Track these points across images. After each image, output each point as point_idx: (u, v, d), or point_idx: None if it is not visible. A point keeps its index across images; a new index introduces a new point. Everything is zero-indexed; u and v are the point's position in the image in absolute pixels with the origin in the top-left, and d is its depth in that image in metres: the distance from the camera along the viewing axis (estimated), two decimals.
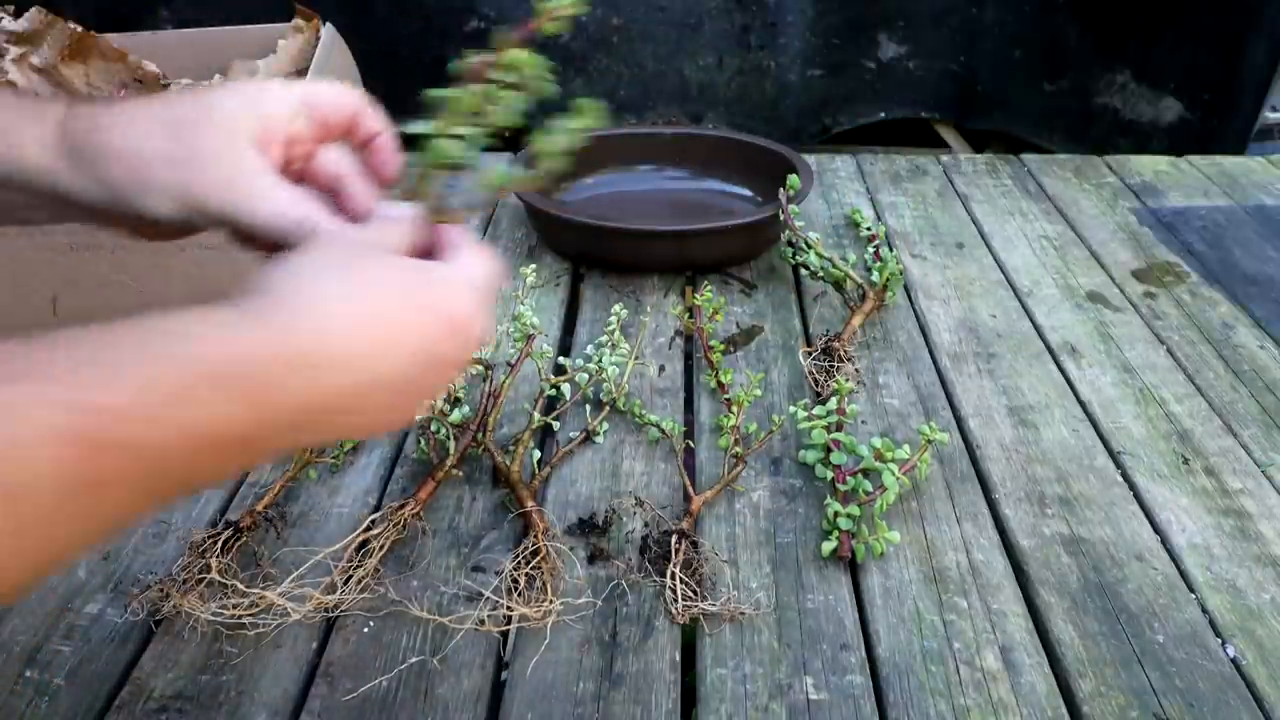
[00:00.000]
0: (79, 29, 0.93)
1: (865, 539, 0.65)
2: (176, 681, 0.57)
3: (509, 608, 0.60)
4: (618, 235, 1.00)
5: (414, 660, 0.58)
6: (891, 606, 0.62)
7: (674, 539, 0.64)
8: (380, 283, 0.40)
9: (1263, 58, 1.58)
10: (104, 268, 0.83)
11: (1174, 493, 0.72)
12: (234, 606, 0.60)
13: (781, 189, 0.97)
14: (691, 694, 0.57)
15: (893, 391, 0.84)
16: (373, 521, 0.65)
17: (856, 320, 0.90)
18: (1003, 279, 1.03)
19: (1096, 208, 1.20)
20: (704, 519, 0.69)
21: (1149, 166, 1.32)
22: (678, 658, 0.59)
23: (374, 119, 0.49)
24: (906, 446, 0.69)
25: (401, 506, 0.66)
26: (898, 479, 0.66)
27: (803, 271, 0.98)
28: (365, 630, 0.60)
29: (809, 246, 0.95)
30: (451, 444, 0.72)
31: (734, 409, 0.75)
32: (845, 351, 0.85)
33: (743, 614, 0.61)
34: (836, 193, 1.23)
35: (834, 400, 0.75)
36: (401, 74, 1.83)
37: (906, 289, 1.01)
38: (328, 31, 1.07)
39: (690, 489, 0.70)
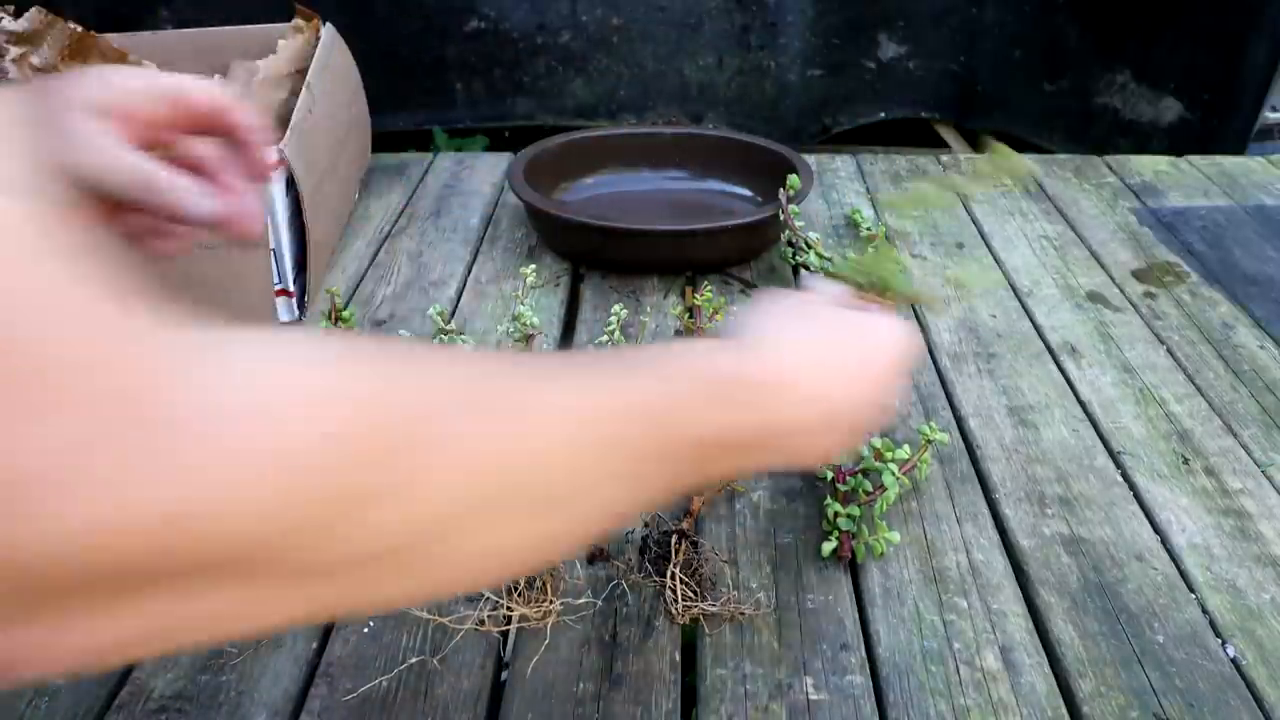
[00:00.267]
0: (79, 29, 0.93)
1: (865, 539, 0.65)
2: (176, 681, 0.57)
3: (509, 608, 0.60)
4: (618, 235, 1.00)
5: (414, 660, 0.58)
6: (891, 606, 0.62)
7: (674, 539, 0.64)
8: (830, 329, 0.48)
9: (1263, 58, 1.58)
10: None
11: (1174, 493, 0.72)
12: None
13: (781, 189, 0.97)
14: (692, 694, 0.57)
15: None
16: None
17: None
18: (1003, 279, 1.03)
19: (1096, 208, 1.20)
20: (704, 519, 0.69)
21: (1149, 166, 1.32)
22: (678, 658, 0.59)
23: (246, 115, 0.49)
24: (906, 446, 0.69)
25: None
26: (898, 479, 0.66)
27: (803, 271, 0.98)
28: (365, 630, 0.60)
29: (809, 246, 0.95)
30: None
31: None
32: None
33: (743, 614, 0.61)
34: (836, 193, 1.23)
35: None
36: (401, 74, 1.83)
37: None
38: (328, 31, 1.07)
39: None
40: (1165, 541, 0.68)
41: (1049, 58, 1.83)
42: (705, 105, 1.93)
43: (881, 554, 0.65)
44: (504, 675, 0.58)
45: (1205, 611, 0.62)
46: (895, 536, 0.65)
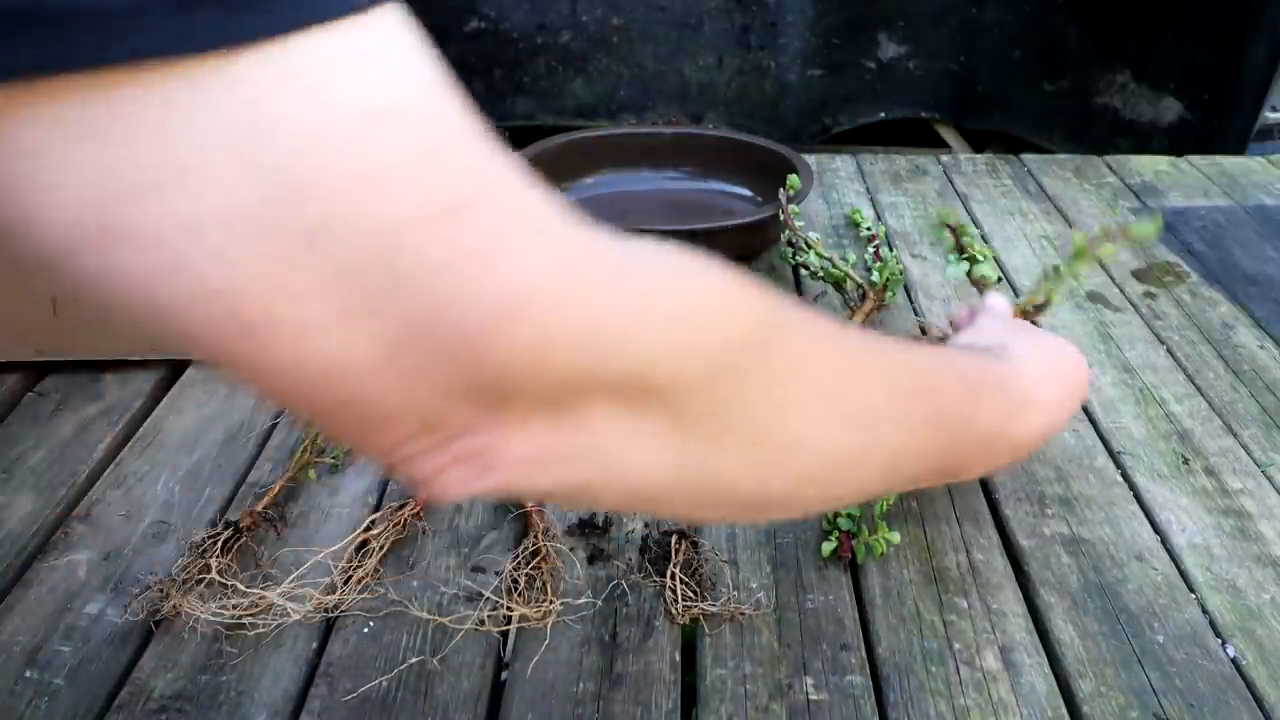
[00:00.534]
0: None
1: (865, 539, 0.65)
2: (176, 682, 0.57)
3: (509, 608, 0.60)
4: None
5: (414, 660, 0.58)
6: (891, 606, 0.62)
7: (674, 539, 0.64)
8: (1047, 347, 0.56)
9: (1263, 58, 1.58)
10: None
11: (1174, 493, 0.72)
12: (234, 607, 0.60)
13: (781, 189, 0.97)
14: (692, 694, 0.57)
15: None
16: (373, 521, 0.65)
17: (857, 320, 0.89)
18: (1003, 278, 1.03)
19: (1096, 208, 1.20)
20: None
21: (1149, 166, 1.32)
22: (678, 658, 0.59)
23: None
24: None
25: (401, 506, 0.66)
26: None
27: (803, 271, 0.98)
28: (365, 630, 0.60)
29: (809, 246, 0.95)
30: None
31: None
32: None
33: (743, 614, 0.61)
34: (836, 193, 1.23)
35: None
36: None
37: (906, 289, 1.00)
38: None
39: None
40: (1165, 541, 0.68)
41: (1049, 58, 1.83)
42: (705, 105, 1.93)
43: (881, 554, 0.65)
44: (504, 675, 0.58)
45: (1205, 611, 0.62)
46: (895, 536, 0.65)
